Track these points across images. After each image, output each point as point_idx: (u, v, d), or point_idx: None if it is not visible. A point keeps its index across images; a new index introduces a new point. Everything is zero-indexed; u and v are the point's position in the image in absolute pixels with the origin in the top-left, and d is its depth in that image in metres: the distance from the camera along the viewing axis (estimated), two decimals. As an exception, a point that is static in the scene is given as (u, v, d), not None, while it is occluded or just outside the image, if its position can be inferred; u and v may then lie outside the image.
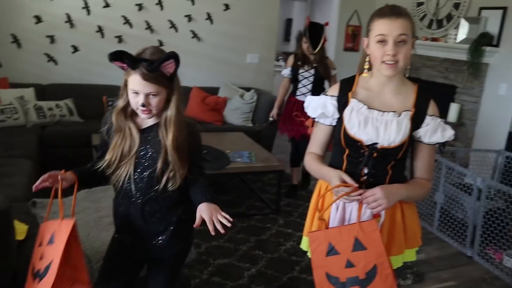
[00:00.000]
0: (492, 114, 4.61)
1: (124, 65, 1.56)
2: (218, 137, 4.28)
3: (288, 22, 8.81)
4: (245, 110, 5.08)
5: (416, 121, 1.58)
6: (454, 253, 3.45)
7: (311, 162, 1.72)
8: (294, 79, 4.00)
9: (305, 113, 2.27)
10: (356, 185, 1.52)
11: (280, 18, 8.40)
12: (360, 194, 1.50)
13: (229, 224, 1.53)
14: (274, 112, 4.21)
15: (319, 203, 1.69)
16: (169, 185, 1.65)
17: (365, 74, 1.64)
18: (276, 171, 3.75)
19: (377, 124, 1.56)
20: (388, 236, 1.63)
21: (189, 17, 5.21)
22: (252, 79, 5.66)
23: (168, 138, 1.62)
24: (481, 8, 4.61)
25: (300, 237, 1.91)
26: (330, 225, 1.64)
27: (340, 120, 1.64)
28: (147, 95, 1.57)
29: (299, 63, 3.94)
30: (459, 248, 3.49)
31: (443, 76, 5.08)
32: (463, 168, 3.58)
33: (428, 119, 1.59)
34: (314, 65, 3.91)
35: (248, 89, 5.33)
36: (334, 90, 1.68)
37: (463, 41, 4.70)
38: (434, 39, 5.11)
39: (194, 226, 1.58)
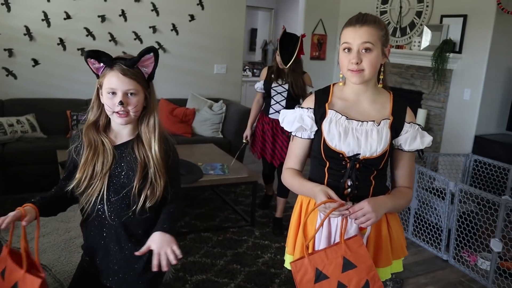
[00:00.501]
0: (458, 118, 4.71)
1: (100, 65, 1.48)
2: (189, 149, 4.19)
3: (253, 32, 8.82)
4: (214, 121, 5.01)
5: (395, 129, 1.56)
6: (430, 257, 3.48)
7: (291, 178, 1.66)
8: (267, 94, 3.64)
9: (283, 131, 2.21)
10: (342, 201, 1.47)
11: (245, 28, 8.43)
12: (347, 209, 1.45)
13: (174, 262, 1.43)
14: (248, 132, 3.81)
15: (302, 221, 1.62)
16: (147, 203, 1.54)
17: (340, 83, 1.63)
18: (250, 182, 3.69)
19: (358, 135, 1.53)
20: (375, 248, 1.60)
21: (154, 28, 5.11)
22: (220, 89, 5.60)
23: (149, 151, 1.53)
24: (443, 16, 4.73)
25: (278, 249, 1.85)
26: (316, 243, 1.58)
27: (318, 132, 1.60)
28: (125, 94, 1.48)
29: (273, 76, 3.59)
30: (435, 252, 3.51)
31: (409, 82, 5.17)
32: (435, 172, 3.62)
33: (406, 126, 1.57)
34: (289, 80, 3.54)
35: (216, 100, 5.27)
36: (309, 102, 1.64)
37: (426, 48, 4.80)
38: (398, 47, 5.21)
39: (137, 253, 1.47)
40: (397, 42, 5.33)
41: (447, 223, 3.40)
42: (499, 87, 4.56)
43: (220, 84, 5.61)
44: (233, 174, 3.57)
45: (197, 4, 5.27)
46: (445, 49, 4.54)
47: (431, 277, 3.20)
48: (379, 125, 1.54)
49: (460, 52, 4.59)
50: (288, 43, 3.50)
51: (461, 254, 3.41)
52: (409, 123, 1.57)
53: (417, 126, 1.58)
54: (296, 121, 1.61)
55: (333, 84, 1.65)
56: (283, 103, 3.59)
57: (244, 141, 3.83)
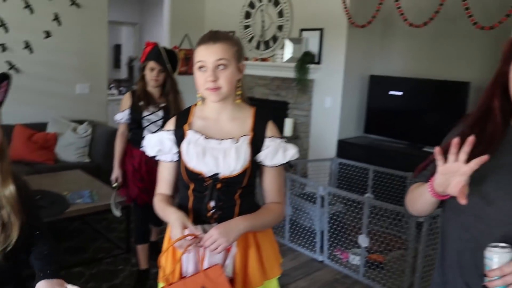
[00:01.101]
0: (321, 125, 5.01)
1: None
2: (52, 178, 3.86)
3: (117, 48, 8.50)
4: (79, 145, 4.68)
5: (256, 145, 1.54)
6: (307, 260, 3.62)
7: (157, 204, 1.60)
8: (137, 126, 2.94)
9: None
10: (198, 232, 1.42)
11: (109, 44, 8.08)
12: (199, 241, 1.42)
13: None
14: (117, 173, 3.02)
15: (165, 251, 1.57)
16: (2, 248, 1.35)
17: (199, 103, 1.60)
18: (123, 207, 3.49)
19: (216, 154, 1.50)
20: (243, 269, 1.56)
21: (3, 46, 4.62)
22: (84, 110, 5.25)
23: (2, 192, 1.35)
24: (302, 30, 5.02)
25: (157, 274, 1.76)
26: (184, 269, 1.53)
27: (179, 154, 1.56)
28: None
29: (142, 103, 2.92)
30: (311, 255, 3.67)
31: (275, 93, 5.38)
32: (305, 179, 3.79)
33: (267, 141, 1.56)
34: (162, 104, 2.95)
35: (80, 122, 4.93)
36: (170, 124, 1.61)
37: (289, 60, 5.04)
38: (263, 59, 5.40)
39: None
40: (261, 55, 5.52)
41: (319, 225, 3.57)
42: (355, 94, 4.96)
43: (83, 105, 5.26)
44: (103, 200, 3.36)
45: (53, 20, 4.89)
46: (305, 60, 4.81)
47: (310, 279, 3.33)
48: (238, 142, 1.52)
49: (319, 63, 4.90)
50: (167, 54, 2.98)
51: (335, 253, 3.61)
52: (270, 137, 1.57)
53: (279, 140, 1.57)
54: (156, 144, 1.56)
55: (194, 105, 1.63)
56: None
57: (114, 185, 3.06)
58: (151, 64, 2.91)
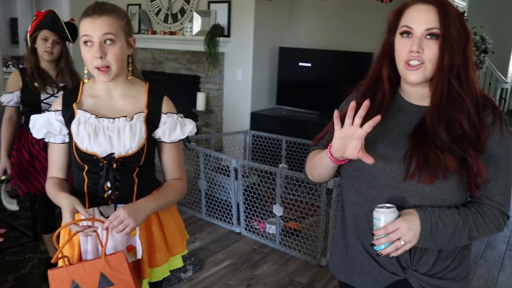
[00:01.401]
0: (234, 98, 5.02)
1: None
2: None
3: (13, 22, 7.82)
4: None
5: (152, 122, 1.50)
6: (225, 233, 3.66)
7: (48, 188, 1.50)
8: (31, 109, 2.54)
9: None
10: (91, 218, 1.38)
11: (2, 19, 7.41)
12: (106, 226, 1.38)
13: None
14: (6, 164, 2.67)
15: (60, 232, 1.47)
16: None
17: (85, 80, 1.51)
18: (25, 194, 3.27)
19: (109, 133, 1.44)
20: (148, 248, 1.54)
21: None
22: (-23, 91, 4.82)
23: None
24: (210, 2, 4.93)
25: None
26: (83, 254, 1.47)
27: (70, 135, 1.48)
28: None
29: (36, 84, 2.55)
30: (228, 227, 3.71)
31: (186, 67, 5.28)
32: (218, 153, 3.80)
33: (164, 117, 1.52)
34: (61, 84, 2.62)
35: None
36: (57, 103, 1.50)
37: (198, 33, 4.95)
38: (172, 33, 5.25)
39: None
40: (170, 28, 5.37)
41: (235, 198, 3.61)
42: (266, 66, 5.01)
43: (-24, 85, 4.82)
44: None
45: None
46: (214, 33, 4.75)
47: (228, 251, 3.37)
48: (132, 120, 1.47)
49: (229, 36, 4.86)
50: (54, 25, 2.60)
51: (251, 224, 3.68)
52: (166, 113, 1.53)
53: (176, 116, 1.54)
54: (43, 126, 1.46)
55: (83, 82, 1.53)
56: None
57: (1, 177, 2.70)
58: (44, 33, 2.55)
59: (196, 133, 5.08)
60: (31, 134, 2.44)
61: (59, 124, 1.47)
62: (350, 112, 1.10)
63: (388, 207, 1.14)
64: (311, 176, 1.37)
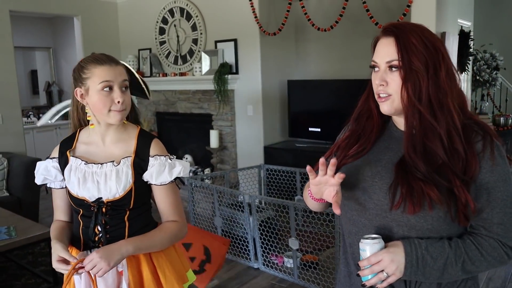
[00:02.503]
0: (247, 134, 5.06)
1: None
2: (-35, 218, 3.61)
3: (34, 74, 8.13)
4: (-5, 179, 4.43)
5: (139, 165, 1.53)
6: (243, 269, 3.62)
7: (50, 232, 1.58)
8: None
9: None
10: (75, 260, 1.40)
11: (24, 71, 7.72)
12: (81, 267, 1.40)
13: None
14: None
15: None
16: None
17: (92, 126, 1.56)
18: (45, 239, 3.34)
19: (97, 178, 1.50)
20: None
21: None
22: (-2, 142, 4.99)
23: None
24: (216, 41, 5.05)
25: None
26: None
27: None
28: None
29: None
30: (247, 263, 3.68)
31: (198, 106, 5.38)
32: (231, 189, 3.81)
33: (151, 160, 1.54)
34: None
35: (-5, 155, 4.67)
36: (55, 151, 1.60)
37: (207, 73, 5.06)
38: (182, 74, 5.38)
39: None
40: (180, 69, 5.50)
41: (251, 233, 3.59)
42: (276, 100, 5.06)
43: (-3, 137, 5.00)
44: (22, 235, 3.18)
45: (-48, 51, 4.62)
46: (223, 71, 4.85)
47: (246, 287, 3.34)
48: (118, 164, 1.51)
49: (237, 73, 4.95)
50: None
51: (270, 259, 3.64)
52: (153, 156, 1.54)
53: (165, 158, 1.55)
54: (39, 173, 1.56)
55: (80, 130, 1.60)
56: None
57: None
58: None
59: (212, 170, 5.14)
60: None
61: (55, 171, 1.56)
62: (321, 169, 1.14)
63: (373, 238, 1.13)
64: (308, 206, 1.39)
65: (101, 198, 1.49)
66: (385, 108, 1.19)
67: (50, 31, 7.96)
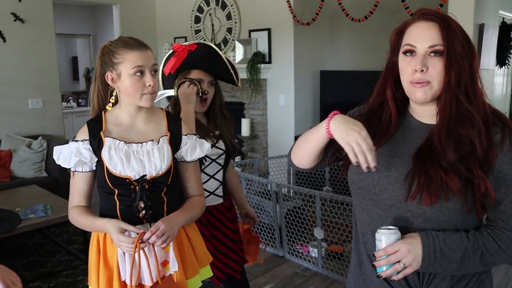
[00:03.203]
0: (278, 123, 5.08)
1: None
2: (6, 195, 3.81)
3: (74, 60, 8.40)
4: (35, 160, 4.62)
5: (175, 143, 1.62)
6: (268, 257, 3.67)
7: (79, 217, 1.58)
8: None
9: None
10: (140, 230, 1.47)
11: (65, 57, 7.97)
12: (149, 238, 1.46)
13: None
14: None
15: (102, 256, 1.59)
16: None
17: (108, 108, 1.62)
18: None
19: (140, 157, 1.55)
20: (181, 262, 1.62)
21: None
22: (38, 125, 5.18)
23: None
24: (250, 31, 5.08)
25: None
26: (122, 274, 1.55)
27: (99, 162, 1.56)
28: None
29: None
30: (272, 251, 3.73)
31: (231, 95, 5.43)
32: (259, 177, 3.84)
33: (184, 139, 1.64)
34: (217, 132, 2.09)
35: (35, 137, 4.87)
36: (83, 134, 1.57)
37: (241, 61, 5.10)
38: (216, 62, 5.43)
39: None
40: (214, 58, 5.56)
41: (277, 221, 3.63)
42: (308, 90, 5.05)
43: (38, 120, 5.20)
44: (57, 213, 3.33)
45: (-3, 37, 4.83)
46: (256, 60, 4.88)
47: (270, 275, 3.38)
48: (158, 143, 1.59)
49: (270, 62, 4.97)
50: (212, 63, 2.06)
51: (295, 247, 3.68)
52: (186, 135, 1.65)
53: (194, 137, 1.67)
54: (73, 155, 1.53)
55: (104, 112, 1.63)
56: (220, 175, 2.11)
57: None
58: (197, 74, 2.00)
59: (242, 158, 5.19)
60: None
61: (89, 153, 1.54)
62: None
63: (390, 229, 1.12)
64: (293, 155, 1.36)
65: (145, 175, 1.54)
66: (420, 95, 1.14)
67: (91, 19, 8.18)
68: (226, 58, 2.05)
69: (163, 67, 2.05)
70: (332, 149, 1.30)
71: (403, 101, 1.26)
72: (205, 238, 1.91)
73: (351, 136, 1.12)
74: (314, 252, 3.57)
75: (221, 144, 2.07)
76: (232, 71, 2.05)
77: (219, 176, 2.10)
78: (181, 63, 1.99)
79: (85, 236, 3.52)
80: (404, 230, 1.14)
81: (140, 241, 1.45)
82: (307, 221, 3.76)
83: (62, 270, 3.42)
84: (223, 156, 2.09)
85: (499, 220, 1.14)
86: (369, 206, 1.22)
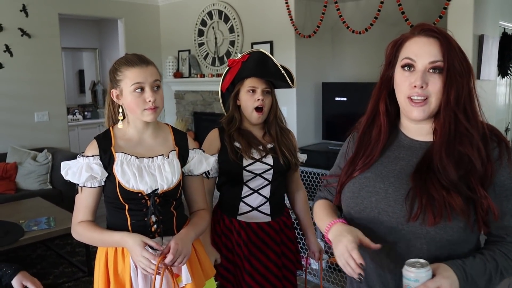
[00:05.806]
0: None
1: None
2: (11, 207, 3.87)
3: (81, 73, 8.52)
4: (40, 173, 4.68)
5: (183, 158, 1.66)
6: (269, 268, 3.67)
7: (89, 232, 1.56)
8: (231, 178, 1.97)
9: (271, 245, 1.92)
10: (161, 247, 1.49)
11: (72, 70, 8.09)
12: (170, 260, 1.46)
13: None
14: (215, 255, 1.99)
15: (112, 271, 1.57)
16: None
17: (120, 125, 1.63)
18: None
19: (151, 171, 1.58)
20: (191, 274, 1.64)
21: (-44, 81, 4.63)
22: (44, 138, 5.25)
23: None
24: (253, 43, 5.13)
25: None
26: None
27: (110, 177, 1.55)
28: None
29: (239, 145, 1.93)
30: (273, 262, 3.72)
31: (234, 107, 5.46)
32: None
33: (191, 153, 1.69)
34: (269, 146, 1.97)
35: (40, 150, 4.93)
36: (93, 149, 1.58)
37: (243, 74, 5.13)
38: (219, 75, 5.48)
39: None
40: (217, 70, 5.62)
41: (278, 233, 3.63)
42: (310, 102, 5.08)
43: (43, 133, 5.27)
44: (60, 225, 3.37)
45: (4, 51, 4.91)
46: (258, 73, 4.90)
47: (271, 287, 3.38)
48: (168, 157, 1.62)
49: (272, 74, 4.99)
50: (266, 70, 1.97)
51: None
52: (192, 149, 1.69)
53: (200, 151, 1.71)
54: (84, 171, 1.52)
55: (112, 127, 1.65)
56: (267, 191, 1.98)
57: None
58: (250, 82, 1.94)
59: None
60: (226, 217, 1.98)
61: (100, 168, 1.54)
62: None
63: (422, 265, 1.03)
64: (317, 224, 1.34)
65: (157, 189, 1.56)
66: (417, 114, 1.13)
67: (96, 33, 8.31)
68: (277, 64, 1.98)
69: (221, 85, 2.08)
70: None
71: (395, 116, 1.25)
72: (244, 257, 1.93)
73: (337, 250, 1.10)
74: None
75: (268, 159, 1.94)
76: (284, 72, 1.94)
77: (265, 192, 1.97)
78: (235, 75, 1.96)
79: (88, 248, 3.56)
80: (406, 253, 1.11)
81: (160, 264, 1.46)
82: (308, 232, 3.75)
83: (64, 282, 3.45)
84: (271, 171, 1.94)
85: (504, 235, 1.13)
86: (366, 231, 1.16)
